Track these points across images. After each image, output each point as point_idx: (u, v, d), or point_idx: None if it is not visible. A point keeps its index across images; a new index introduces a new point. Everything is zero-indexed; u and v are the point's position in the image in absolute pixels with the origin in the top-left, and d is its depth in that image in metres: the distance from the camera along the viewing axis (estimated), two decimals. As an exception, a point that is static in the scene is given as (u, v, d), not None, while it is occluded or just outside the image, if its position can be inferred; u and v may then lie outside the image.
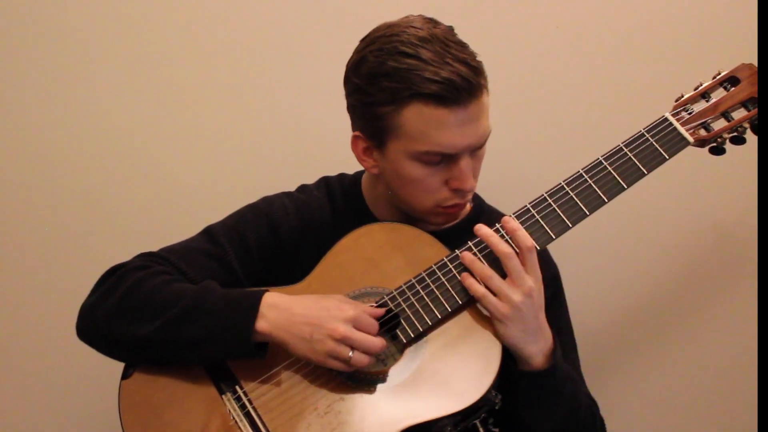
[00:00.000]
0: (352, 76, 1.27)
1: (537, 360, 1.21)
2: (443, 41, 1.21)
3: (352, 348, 1.17)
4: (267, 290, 1.23)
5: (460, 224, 1.39)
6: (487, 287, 1.20)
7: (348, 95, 1.30)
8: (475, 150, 1.25)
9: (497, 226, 1.22)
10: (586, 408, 1.29)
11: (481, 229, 1.21)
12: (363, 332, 1.17)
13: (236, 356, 1.23)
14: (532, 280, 1.18)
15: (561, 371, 1.23)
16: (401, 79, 1.20)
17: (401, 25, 1.25)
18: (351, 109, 1.30)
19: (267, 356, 1.22)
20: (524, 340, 1.19)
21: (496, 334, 1.21)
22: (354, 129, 1.31)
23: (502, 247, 1.19)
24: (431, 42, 1.21)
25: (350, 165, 1.46)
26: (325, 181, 1.46)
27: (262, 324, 1.19)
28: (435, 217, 1.31)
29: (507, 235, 1.21)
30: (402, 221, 1.35)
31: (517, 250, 1.19)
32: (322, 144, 1.71)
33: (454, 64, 1.19)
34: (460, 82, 1.18)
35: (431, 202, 1.28)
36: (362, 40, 1.30)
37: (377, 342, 1.17)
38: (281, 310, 1.19)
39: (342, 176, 1.47)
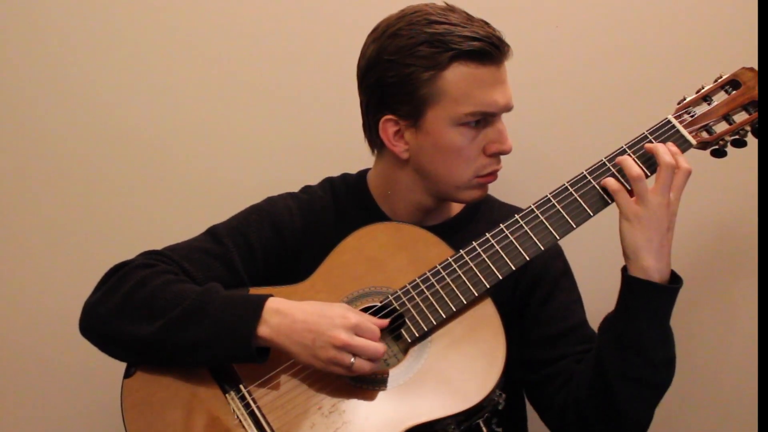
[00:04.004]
0: (381, 56, 1.28)
1: (653, 277, 1.19)
2: (463, 10, 1.29)
3: (354, 354, 1.17)
4: (270, 295, 1.22)
5: (454, 221, 1.40)
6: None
7: (375, 81, 1.29)
8: (506, 111, 1.29)
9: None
10: (673, 359, 1.24)
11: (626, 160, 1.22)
12: (365, 338, 1.17)
13: (237, 360, 1.23)
14: (673, 200, 1.19)
15: (670, 300, 1.20)
16: (440, 43, 1.24)
17: (416, 6, 1.30)
18: (379, 92, 1.30)
19: (270, 357, 1.22)
20: (646, 248, 1.19)
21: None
22: (381, 114, 1.31)
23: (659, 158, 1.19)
24: (455, 11, 1.28)
25: (354, 166, 1.47)
26: (328, 182, 1.46)
27: (263, 329, 1.19)
28: (471, 191, 1.32)
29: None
30: (417, 215, 1.36)
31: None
32: (325, 145, 1.71)
33: (484, 26, 1.26)
34: (495, 40, 1.25)
35: (470, 173, 1.29)
36: (374, 31, 1.32)
37: (379, 347, 1.17)
38: (283, 315, 1.19)
39: (345, 176, 1.47)
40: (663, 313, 1.21)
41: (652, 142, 1.24)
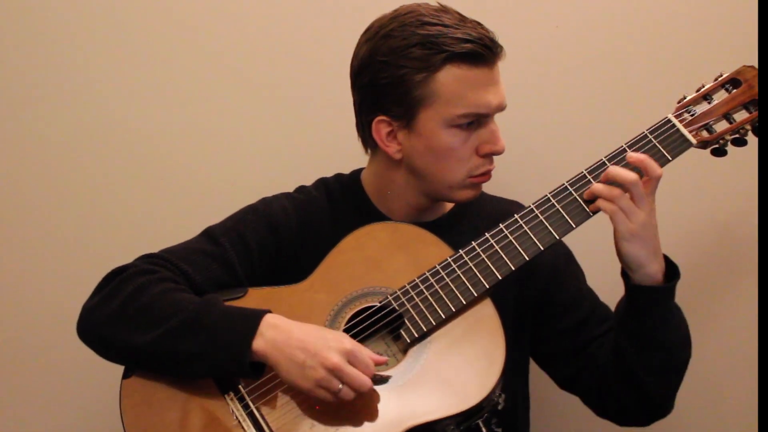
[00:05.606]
0: (374, 57, 1.27)
1: (658, 278, 1.23)
2: (456, 11, 1.28)
3: (342, 381, 1.15)
4: (269, 310, 1.21)
5: (448, 217, 1.41)
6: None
7: (368, 81, 1.29)
8: (499, 111, 1.30)
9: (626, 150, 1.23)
10: (687, 334, 1.30)
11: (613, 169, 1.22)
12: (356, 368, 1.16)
13: (231, 374, 1.21)
14: (652, 203, 1.21)
15: (674, 291, 1.25)
16: (433, 45, 1.24)
17: (409, 6, 1.30)
18: (372, 93, 1.30)
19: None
20: (648, 259, 1.22)
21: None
22: (374, 115, 1.30)
23: (627, 175, 1.20)
24: (448, 11, 1.28)
25: (348, 166, 1.47)
26: (323, 182, 1.46)
27: (259, 343, 1.17)
28: (464, 191, 1.32)
29: (633, 164, 1.21)
30: (412, 213, 1.36)
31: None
32: (319, 145, 1.71)
33: (477, 27, 1.26)
34: (488, 41, 1.25)
35: (463, 173, 1.30)
36: (367, 31, 1.32)
37: (367, 381, 1.16)
38: (280, 330, 1.18)
39: (339, 176, 1.47)
40: (670, 305, 1.25)
41: (652, 142, 1.24)
